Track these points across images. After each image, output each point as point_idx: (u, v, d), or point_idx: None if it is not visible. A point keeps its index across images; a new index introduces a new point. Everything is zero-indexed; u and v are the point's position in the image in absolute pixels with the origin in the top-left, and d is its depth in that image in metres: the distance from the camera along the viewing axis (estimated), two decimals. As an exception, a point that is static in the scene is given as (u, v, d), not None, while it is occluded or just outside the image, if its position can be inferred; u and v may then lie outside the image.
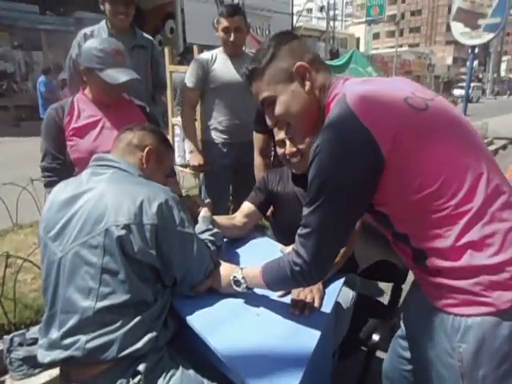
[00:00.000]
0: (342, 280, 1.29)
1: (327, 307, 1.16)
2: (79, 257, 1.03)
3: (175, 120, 3.32)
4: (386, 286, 2.36)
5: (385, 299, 1.87)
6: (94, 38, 2.22)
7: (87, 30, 2.39)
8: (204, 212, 1.44)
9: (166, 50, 3.07)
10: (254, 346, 0.99)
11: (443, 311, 0.87)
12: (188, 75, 2.40)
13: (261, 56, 1.01)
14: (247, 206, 1.69)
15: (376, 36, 50.82)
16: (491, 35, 8.16)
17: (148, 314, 1.06)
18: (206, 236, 1.28)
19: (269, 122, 1.08)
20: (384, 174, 0.85)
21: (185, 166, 4.04)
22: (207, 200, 1.63)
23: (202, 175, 2.69)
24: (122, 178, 1.15)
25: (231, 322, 1.08)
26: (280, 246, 1.54)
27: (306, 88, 0.98)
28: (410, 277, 1.11)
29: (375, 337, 1.54)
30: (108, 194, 1.08)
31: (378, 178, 0.86)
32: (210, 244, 1.25)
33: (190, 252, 1.14)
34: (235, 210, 2.74)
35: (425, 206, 0.85)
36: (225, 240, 1.49)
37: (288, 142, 1.49)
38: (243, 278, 1.14)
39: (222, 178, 2.51)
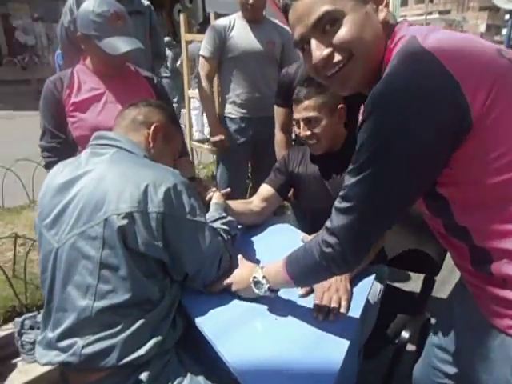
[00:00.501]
0: (373, 277, 1.14)
1: (356, 311, 1.01)
2: (76, 249, 0.92)
3: (192, 93, 3.16)
4: (416, 276, 2.21)
5: (412, 287, 1.72)
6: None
7: None
8: (216, 198, 1.30)
9: (182, 18, 2.89)
10: (270, 357, 0.85)
11: (505, 333, 0.71)
12: (204, 44, 2.22)
13: None
14: (266, 189, 1.54)
15: (404, 2, 48.34)
16: (534, -1, 7.51)
17: (154, 315, 0.94)
18: (218, 225, 1.14)
19: (317, 54, 0.76)
20: (464, 144, 0.65)
21: (203, 141, 3.91)
22: (226, 190, 1.49)
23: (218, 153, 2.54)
24: (124, 159, 1.02)
25: (245, 327, 0.95)
26: (302, 234, 1.40)
27: (381, 15, 0.74)
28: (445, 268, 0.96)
29: (404, 334, 1.40)
30: (108, 177, 0.95)
31: (455, 147, 0.65)
32: (223, 233, 1.12)
33: (202, 243, 1.01)
34: (253, 190, 2.63)
35: (504, 193, 0.66)
36: (239, 227, 1.36)
37: (302, 124, 1.38)
38: (264, 277, 0.98)
39: (239, 156, 2.36)
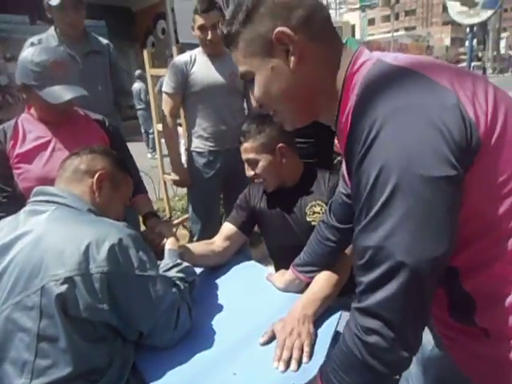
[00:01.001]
0: (338, 315, 1.10)
1: (320, 354, 0.96)
2: (11, 321, 0.84)
3: (161, 126, 3.14)
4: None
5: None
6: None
7: (34, 39, 2.18)
8: (169, 244, 1.26)
9: (145, 53, 2.89)
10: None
11: None
12: (166, 80, 2.22)
13: (234, 16, 0.72)
14: (227, 228, 1.51)
15: (371, 22, 50.13)
16: (490, 12, 7.81)
17: (104, 382, 0.87)
18: (173, 273, 1.09)
19: (253, 104, 0.83)
20: (471, 168, 0.57)
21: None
22: (180, 218, 1.45)
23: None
24: (65, 216, 0.96)
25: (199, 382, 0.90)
26: (268, 270, 1.36)
27: (291, 64, 0.69)
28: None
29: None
30: (46, 239, 0.89)
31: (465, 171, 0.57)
32: (179, 282, 1.07)
33: (155, 299, 0.95)
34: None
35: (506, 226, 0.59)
36: (201, 270, 1.32)
37: (246, 166, 1.41)
38: None
39: (210, 190, 2.33)
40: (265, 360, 0.96)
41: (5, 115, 11.01)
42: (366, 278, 0.60)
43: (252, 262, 1.48)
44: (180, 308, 1.01)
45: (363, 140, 0.57)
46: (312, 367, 0.91)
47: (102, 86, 2.29)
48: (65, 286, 0.82)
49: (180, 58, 2.23)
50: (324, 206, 1.37)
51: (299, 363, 0.94)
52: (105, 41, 2.40)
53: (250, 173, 1.41)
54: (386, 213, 0.56)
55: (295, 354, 0.94)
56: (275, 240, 1.51)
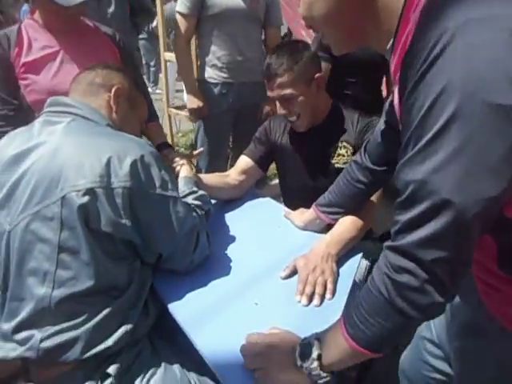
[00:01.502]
0: (359, 256, 1.06)
1: (343, 293, 0.94)
2: (30, 231, 0.80)
3: (169, 55, 2.95)
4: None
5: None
6: None
7: None
8: (185, 171, 1.19)
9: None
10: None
11: None
12: (181, -1, 2.03)
13: None
14: (244, 161, 1.43)
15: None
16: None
17: (122, 302, 0.85)
18: (190, 200, 1.05)
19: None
20: None
21: (182, 107, 3.72)
22: (200, 149, 1.37)
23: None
24: (82, 128, 0.89)
25: (222, 314, 0.87)
26: (286, 209, 1.31)
27: None
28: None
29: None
30: (64, 149, 0.82)
31: None
32: (196, 209, 1.02)
33: (176, 220, 0.91)
34: (235, 160, 2.52)
35: None
36: (214, 202, 1.26)
37: (278, 104, 1.26)
38: (318, 356, 0.68)
39: (221, 124, 2.22)
40: (286, 293, 0.94)
41: (-3, 33, 10.52)
42: (404, 216, 0.54)
43: (267, 199, 1.42)
44: (199, 233, 0.98)
45: (425, 56, 0.48)
46: (334, 308, 0.88)
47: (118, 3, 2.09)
48: (86, 198, 0.78)
49: (198, -25, 2.02)
50: (350, 148, 1.30)
51: (322, 299, 0.92)
52: None
53: (283, 111, 1.26)
54: (439, 143, 0.48)
55: (318, 290, 0.93)
56: (293, 179, 1.44)
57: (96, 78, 1.00)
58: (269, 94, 1.27)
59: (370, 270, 1.31)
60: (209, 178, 1.33)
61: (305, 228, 1.21)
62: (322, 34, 0.71)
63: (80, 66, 1.33)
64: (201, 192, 1.11)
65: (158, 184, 0.87)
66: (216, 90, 2.14)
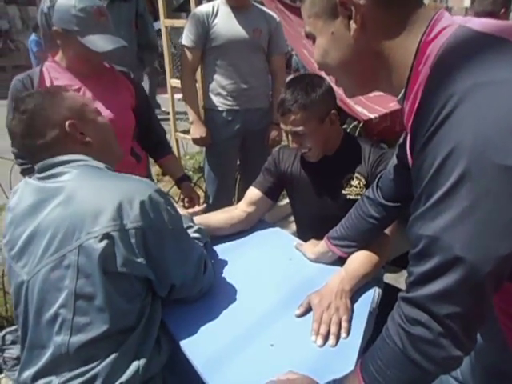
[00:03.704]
0: (374, 289, 1.07)
1: (358, 329, 0.94)
2: (48, 281, 0.83)
3: (175, 82, 3.01)
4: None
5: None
6: None
7: None
8: (181, 211, 1.23)
9: (160, 1, 2.71)
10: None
11: None
12: (186, 32, 2.09)
13: None
14: (253, 193, 1.45)
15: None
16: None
17: (133, 339, 0.87)
18: (190, 233, 1.10)
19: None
20: None
21: (188, 131, 3.78)
22: (203, 205, 1.43)
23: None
24: (91, 174, 0.92)
25: (237, 356, 0.87)
26: (296, 240, 1.32)
27: (352, 31, 0.62)
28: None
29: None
30: (76, 198, 0.85)
31: None
32: (196, 241, 1.08)
33: (186, 251, 0.98)
34: (243, 188, 2.54)
35: None
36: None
37: (290, 136, 1.29)
38: None
39: (227, 151, 2.25)
40: (302, 333, 0.94)
41: (7, 61, 10.74)
42: (418, 269, 0.56)
43: (277, 229, 1.43)
44: (206, 261, 1.04)
45: (434, 116, 0.50)
46: (351, 345, 0.89)
47: (125, 38, 2.16)
48: (104, 242, 0.81)
49: (201, 9, 2.09)
50: (362, 180, 1.31)
51: (337, 338, 0.92)
52: None
53: (295, 145, 1.30)
54: (449, 201, 0.50)
55: (333, 329, 0.93)
56: (303, 208, 1.46)
57: (45, 139, 0.93)
58: (282, 126, 1.31)
59: (382, 298, 1.32)
60: (215, 218, 1.36)
61: (316, 260, 1.22)
62: (335, 80, 0.74)
63: (101, 101, 1.42)
64: (197, 226, 1.18)
65: (166, 219, 0.90)
66: (221, 118, 2.18)
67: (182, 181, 1.68)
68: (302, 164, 1.40)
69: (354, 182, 1.31)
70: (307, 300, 1.02)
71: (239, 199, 2.64)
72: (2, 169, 2.78)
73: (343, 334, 0.93)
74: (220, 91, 2.15)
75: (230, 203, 2.50)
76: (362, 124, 3.92)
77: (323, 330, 0.92)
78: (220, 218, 1.37)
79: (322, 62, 0.70)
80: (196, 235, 1.11)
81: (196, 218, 1.31)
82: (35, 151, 0.95)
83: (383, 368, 0.62)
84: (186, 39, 2.07)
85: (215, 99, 2.18)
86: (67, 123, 0.95)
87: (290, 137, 1.32)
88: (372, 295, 1.05)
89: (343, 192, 1.32)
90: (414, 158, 0.58)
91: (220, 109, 2.18)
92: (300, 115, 1.22)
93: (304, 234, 1.37)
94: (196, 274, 0.99)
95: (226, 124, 2.19)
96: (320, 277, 1.10)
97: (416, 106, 0.57)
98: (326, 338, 0.92)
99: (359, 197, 1.20)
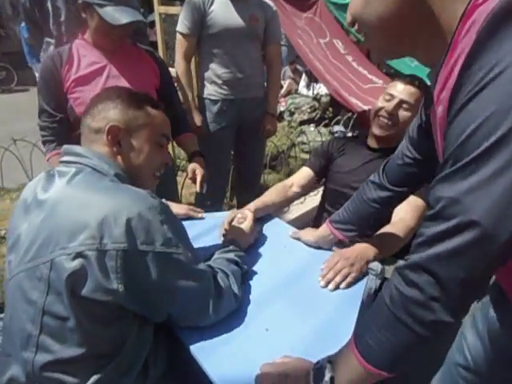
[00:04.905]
0: (367, 277, 1.08)
1: (353, 313, 0.94)
2: (20, 288, 0.77)
3: (171, 71, 2.98)
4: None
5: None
6: None
7: None
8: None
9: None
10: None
11: None
12: (181, 19, 2.06)
13: None
14: (306, 172, 1.58)
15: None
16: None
17: (112, 368, 0.77)
18: (231, 255, 1.02)
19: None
20: None
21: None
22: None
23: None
24: (85, 181, 0.82)
25: (232, 340, 0.87)
26: (292, 229, 1.33)
27: None
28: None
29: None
30: (61, 206, 0.78)
31: None
32: (239, 261, 1.01)
33: (183, 278, 0.81)
34: (238, 177, 2.53)
35: None
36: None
37: (395, 103, 1.34)
38: (331, 379, 0.68)
39: (221, 141, 2.24)
40: (296, 317, 0.95)
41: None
42: (429, 230, 0.54)
43: (276, 219, 1.44)
44: (223, 290, 0.90)
45: (479, 78, 0.48)
46: (345, 329, 0.89)
47: None
48: (77, 262, 0.72)
49: (197, -5, 2.06)
50: None
51: (336, 287, 1.03)
52: None
53: (392, 111, 1.35)
54: (479, 165, 0.48)
55: (337, 278, 1.04)
56: (339, 180, 1.54)
57: (92, 123, 0.90)
58: (391, 90, 1.37)
59: (379, 290, 1.34)
60: (273, 196, 1.46)
61: (316, 244, 1.23)
62: (365, 36, 0.68)
63: (125, 79, 1.49)
64: (238, 250, 1.06)
65: (160, 241, 0.77)
66: (216, 107, 2.17)
67: (194, 156, 1.67)
68: (349, 154, 1.54)
69: None
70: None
71: (232, 188, 2.66)
72: (23, 151, 2.87)
73: (342, 285, 1.03)
74: (215, 80, 2.14)
75: (223, 193, 2.51)
76: (356, 115, 3.95)
77: (330, 275, 1.05)
78: (278, 197, 1.47)
79: (360, 13, 0.63)
80: (237, 259, 1.01)
81: (252, 204, 1.36)
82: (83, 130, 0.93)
83: (375, 331, 0.62)
84: (182, 26, 2.05)
85: (210, 88, 2.17)
86: (109, 125, 0.88)
87: (393, 103, 1.36)
88: (365, 281, 1.06)
89: None
90: (448, 122, 0.55)
91: (215, 98, 2.17)
92: (416, 92, 1.34)
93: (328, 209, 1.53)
94: (201, 308, 0.86)
95: (221, 113, 2.18)
96: (314, 263, 1.12)
97: (458, 71, 0.53)
98: (328, 283, 1.04)
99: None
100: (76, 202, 0.77)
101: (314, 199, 2.58)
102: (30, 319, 0.75)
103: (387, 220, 1.25)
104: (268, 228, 1.36)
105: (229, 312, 0.92)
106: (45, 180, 0.87)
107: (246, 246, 1.15)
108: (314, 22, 4.96)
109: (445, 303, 0.54)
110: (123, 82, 1.47)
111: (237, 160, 2.48)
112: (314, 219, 1.67)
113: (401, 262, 0.61)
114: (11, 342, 0.79)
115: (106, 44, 1.47)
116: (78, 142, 0.93)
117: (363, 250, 1.11)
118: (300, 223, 1.76)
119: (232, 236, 1.15)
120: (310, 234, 1.26)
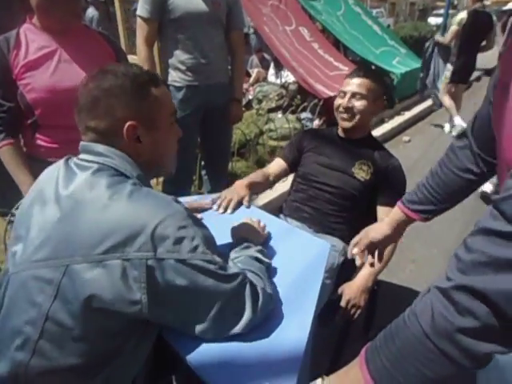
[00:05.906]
0: (328, 249, 1.16)
1: (312, 297, 0.96)
2: (25, 287, 0.73)
3: (132, 58, 2.90)
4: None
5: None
6: None
7: None
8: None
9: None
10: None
11: None
12: (141, 3, 2.00)
13: None
14: (281, 163, 1.68)
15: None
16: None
17: (112, 371, 0.75)
18: (253, 252, 0.98)
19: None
20: None
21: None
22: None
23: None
24: (108, 184, 0.76)
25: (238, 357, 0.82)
26: (272, 218, 1.37)
27: None
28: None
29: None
30: (82, 208, 0.74)
31: None
32: (263, 258, 0.97)
33: (205, 289, 0.76)
34: (206, 164, 2.51)
35: None
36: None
37: (348, 96, 1.49)
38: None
39: (187, 127, 2.18)
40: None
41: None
42: (498, 250, 0.44)
43: (252, 208, 1.34)
44: (258, 291, 0.84)
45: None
46: (305, 311, 0.92)
47: None
48: (96, 271, 0.69)
49: (158, -22, 2.00)
50: (371, 168, 1.51)
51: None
52: None
53: (348, 104, 1.49)
54: None
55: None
56: (312, 169, 1.61)
57: (100, 125, 0.82)
58: (345, 88, 1.52)
59: (341, 265, 1.39)
60: (257, 177, 1.54)
61: (391, 229, 1.08)
62: None
63: (78, 63, 1.42)
64: (259, 247, 1.03)
65: (186, 249, 0.73)
66: (181, 94, 2.13)
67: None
68: (320, 142, 1.64)
69: (365, 168, 1.52)
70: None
71: (200, 175, 2.63)
72: None
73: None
74: (178, 66, 2.10)
75: (190, 179, 2.49)
76: (322, 102, 3.99)
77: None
78: (262, 178, 1.56)
79: None
80: (259, 255, 0.97)
81: (246, 180, 1.40)
82: (83, 128, 0.84)
83: (400, 359, 0.52)
84: (141, 9, 1.99)
85: (174, 74, 2.13)
86: (126, 125, 0.81)
87: (346, 97, 1.51)
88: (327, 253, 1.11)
89: (352, 169, 1.52)
90: None
91: (179, 84, 2.13)
92: (367, 82, 1.49)
93: (293, 198, 1.63)
94: (237, 311, 0.81)
95: (186, 100, 2.15)
96: (301, 250, 1.15)
97: None
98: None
99: (362, 179, 1.48)
100: (98, 208, 0.73)
101: (282, 186, 2.59)
102: (31, 321, 0.71)
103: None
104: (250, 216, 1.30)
105: (267, 312, 0.86)
106: (64, 173, 0.81)
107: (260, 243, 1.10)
108: (279, 9, 4.95)
109: (499, 336, 0.45)
110: (75, 67, 1.41)
111: (204, 147, 2.46)
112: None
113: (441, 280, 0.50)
114: (3, 340, 0.74)
115: (52, 24, 1.38)
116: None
117: (364, 283, 1.36)
118: (269, 209, 1.77)
119: (245, 235, 1.11)
120: (373, 231, 1.10)
